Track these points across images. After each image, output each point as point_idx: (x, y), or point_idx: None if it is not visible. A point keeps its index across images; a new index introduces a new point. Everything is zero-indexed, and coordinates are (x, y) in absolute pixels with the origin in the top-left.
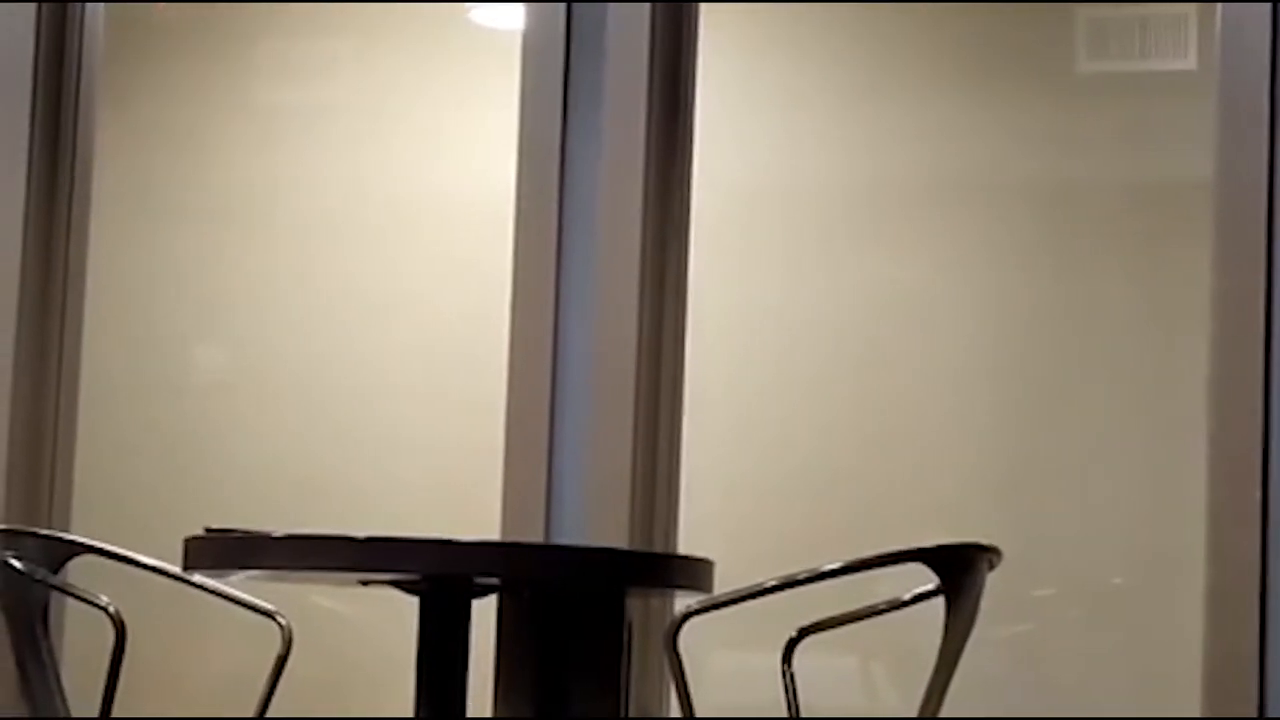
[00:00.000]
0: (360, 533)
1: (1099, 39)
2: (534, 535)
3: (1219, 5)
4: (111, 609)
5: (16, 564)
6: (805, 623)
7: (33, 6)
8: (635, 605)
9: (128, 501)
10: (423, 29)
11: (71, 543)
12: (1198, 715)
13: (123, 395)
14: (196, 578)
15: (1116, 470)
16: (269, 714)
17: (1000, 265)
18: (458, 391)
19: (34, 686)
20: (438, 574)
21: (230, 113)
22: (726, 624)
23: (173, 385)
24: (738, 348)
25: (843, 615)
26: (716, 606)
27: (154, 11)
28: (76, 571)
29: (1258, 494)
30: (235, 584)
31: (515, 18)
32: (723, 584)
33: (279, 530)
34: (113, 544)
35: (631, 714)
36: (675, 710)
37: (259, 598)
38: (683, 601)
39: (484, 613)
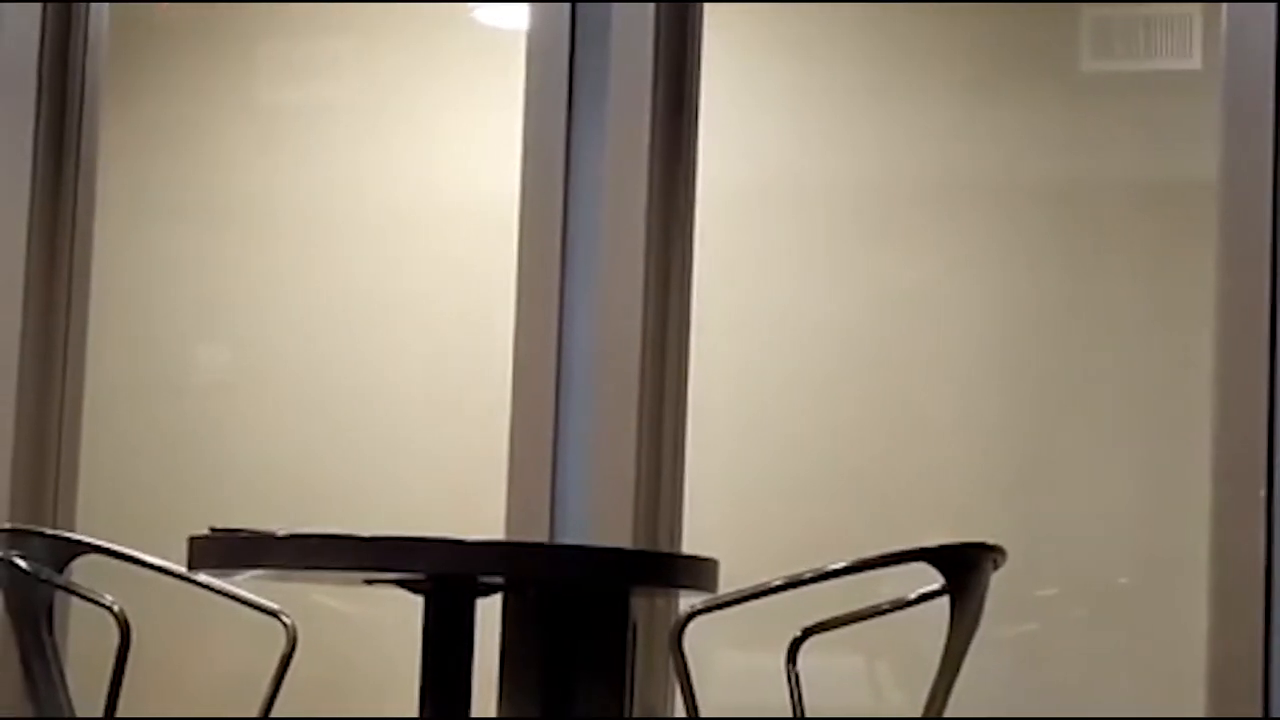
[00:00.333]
0: (365, 532)
1: (1103, 39)
2: (539, 537)
3: (1224, 5)
4: (116, 608)
5: (22, 563)
6: (810, 622)
7: (38, 6)
8: (640, 605)
9: (131, 501)
10: (425, 28)
11: (76, 542)
12: (1202, 715)
13: (126, 395)
14: (201, 577)
15: (1121, 470)
16: (273, 713)
17: (1002, 264)
18: (461, 391)
19: (39, 686)
20: (443, 573)
21: (232, 113)
22: (731, 624)
23: (175, 385)
24: (744, 348)
25: (847, 615)
26: (721, 606)
27: (156, 11)
28: (81, 571)
29: (1262, 493)
30: (239, 583)
31: (519, 17)
32: (727, 584)
33: (284, 529)
34: (117, 544)
35: (636, 714)
36: (680, 710)
37: (263, 597)
38: (687, 601)
39: (489, 612)
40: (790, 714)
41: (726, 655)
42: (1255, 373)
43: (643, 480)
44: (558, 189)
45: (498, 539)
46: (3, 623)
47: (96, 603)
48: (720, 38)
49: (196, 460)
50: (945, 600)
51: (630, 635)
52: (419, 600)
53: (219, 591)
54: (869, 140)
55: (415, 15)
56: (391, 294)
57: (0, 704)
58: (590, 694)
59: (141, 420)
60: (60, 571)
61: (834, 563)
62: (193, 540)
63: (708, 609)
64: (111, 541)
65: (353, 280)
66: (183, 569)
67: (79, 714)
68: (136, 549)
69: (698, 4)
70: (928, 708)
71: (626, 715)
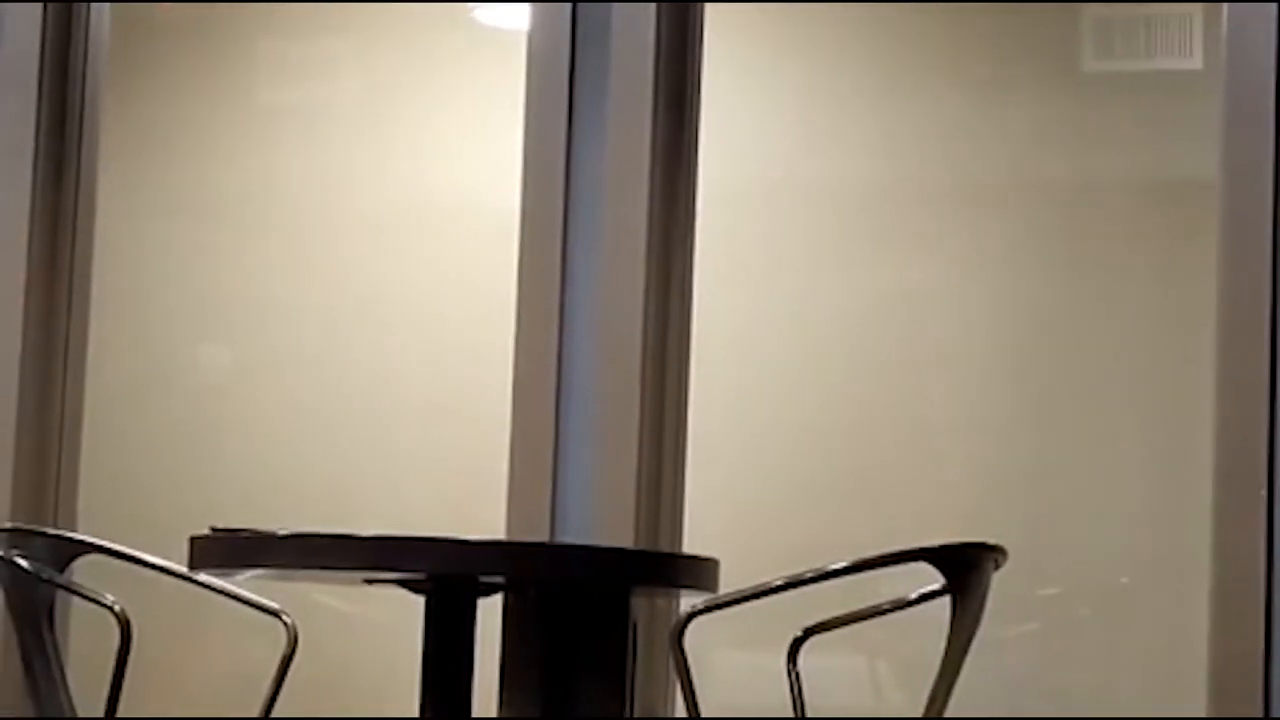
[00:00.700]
0: (366, 532)
1: (1104, 38)
2: (539, 539)
3: (1224, 5)
4: (117, 608)
5: (23, 563)
6: (810, 622)
7: (38, 7)
8: (640, 605)
9: (132, 501)
10: (425, 28)
11: (77, 542)
12: (1203, 714)
13: (126, 395)
14: (202, 577)
15: (1122, 469)
16: (274, 713)
17: (1003, 263)
18: (461, 392)
19: (39, 685)
20: (444, 573)
21: (231, 113)
22: (732, 624)
23: (176, 385)
24: (747, 348)
25: (848, 615)
26: (721, 606)
27: (156, 11)
28: (82, 571)
29: (1263, 493)
30: (240, 583)
31: (519, 17)
32: (728, 584)
33: (285, 529)
34: (118, 543)
35: (636, 713)
36: (680, 710)
37: (263, 597)
38: (688, 601)
39: (489, 612)
40: (791, 714)
41: (727, 655)
42: (1256, 372)
43: (643, 483)
44: (558, 189)
45: (498, 539)
46: (4, 622)
47: (97, 602)
48: (722, 38)
49: (196, 460)
50: (946, 600)
51: (631, 635)
52: (419, 600)
53: (220, 591)
54: (869, 141)
55: (414, 15)
56: (391, 294)
57: (1, 703)
58: (591, 694)
59: (142, 420)
60: (61, 571)
61: (835, 563)
62: (193, 540)
63: (708, 609)
64: (112, 541)
65: (353, 280)
66: (183, 569)
67: (80, 713)
68: (137, 549)
69: (698, 4)
70: (928, 708)
71: (627, 715)
